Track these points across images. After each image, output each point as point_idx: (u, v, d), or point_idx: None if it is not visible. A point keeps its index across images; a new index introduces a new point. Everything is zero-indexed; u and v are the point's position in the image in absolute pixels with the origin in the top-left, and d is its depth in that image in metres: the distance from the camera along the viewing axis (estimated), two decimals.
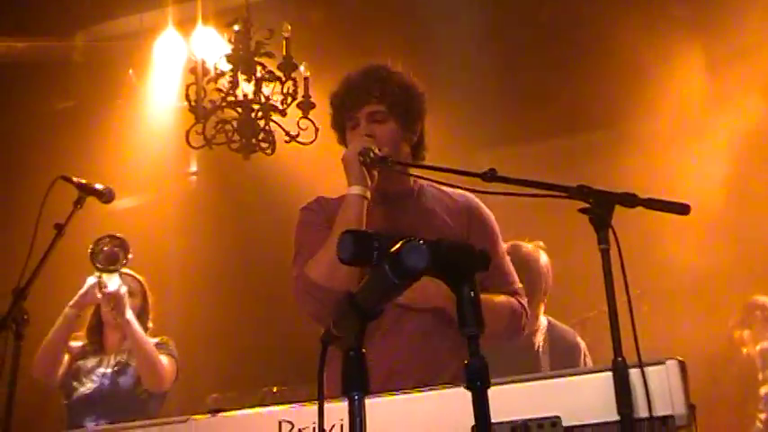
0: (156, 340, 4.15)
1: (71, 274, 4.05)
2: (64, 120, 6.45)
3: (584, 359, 3.75)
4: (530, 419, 1.84)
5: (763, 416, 4.43)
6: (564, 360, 3.70)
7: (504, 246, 2.74)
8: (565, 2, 6.06)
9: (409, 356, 2.48)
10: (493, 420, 1.80)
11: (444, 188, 2.71)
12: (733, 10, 5.53)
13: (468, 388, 1.35)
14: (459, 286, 1.35)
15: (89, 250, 4.00)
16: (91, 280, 4.04)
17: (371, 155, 2.47)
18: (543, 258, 3.88)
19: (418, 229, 2.55)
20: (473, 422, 1.39)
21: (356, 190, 2.48)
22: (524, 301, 2.68)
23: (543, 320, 3.86)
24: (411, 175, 2.68)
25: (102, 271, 3.98)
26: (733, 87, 5.69)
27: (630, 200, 2.01)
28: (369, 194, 2.49)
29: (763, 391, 4.43)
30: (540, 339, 3.83)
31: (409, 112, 2.64)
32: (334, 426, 1.92)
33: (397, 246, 1.28)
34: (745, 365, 4.62)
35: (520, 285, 2.71)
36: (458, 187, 2.45)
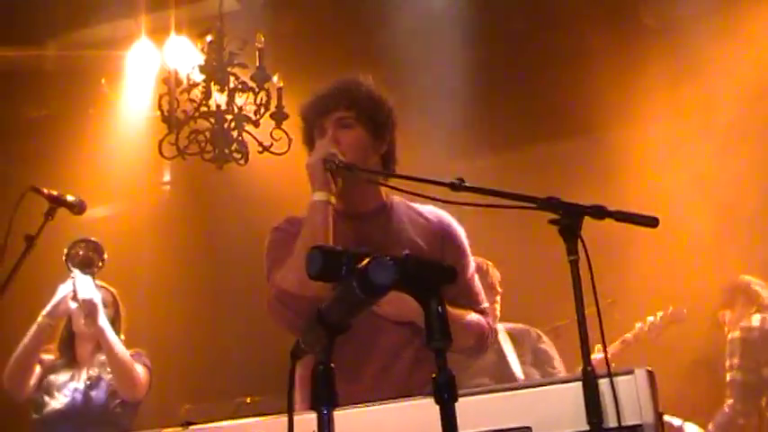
0: (130, 351, 4.12)
1: (43, 285, 4.02)
2: (35, 130, 6.39)
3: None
4: (501, 430, 1.85)
5: (729, 401, 4.51)
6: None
7: (473, 265, 2.75)
8: (538, 12, 6.10)
9: (384, 368, 2.49)
10: (464, 431, 1.83)
11: (416, 206, 2.71)
12: (703, 19, 5.62)
13: (436, 401, 1.36)
14: (427, 301, 1.36)
15: (63, 254, 3.98)
16: (63, 288, 4.01)
17: (336, 161, 2.45)
18: (494, 272, 4.25)
19: (389, 246, 2.55)
20: None
21: (320, 196, 2.46)
22: (491, 320, 2.73)
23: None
24: (381, 183, 2.67)
25: (78, 270, 3.96)
26: (703, 95, 5.76)
27: (599, 212, 2.02)
28: (333, 200, 2.48)
29: (729, 376, 4.52)
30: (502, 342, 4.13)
31: (377, 121, 2.64)
32: None
33: (365, 262, 1.30)
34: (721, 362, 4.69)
35: (487, 305, 2.74)
36: (428, 198, 2.45)
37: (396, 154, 2.73)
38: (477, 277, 2.75)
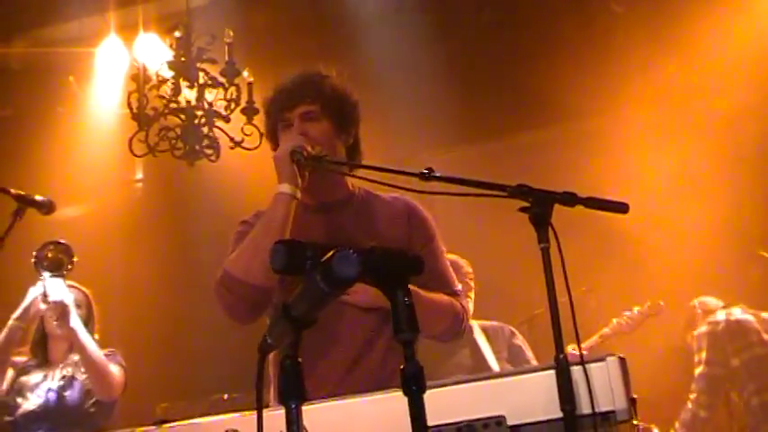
0: (104, 351, 4.09)
1: (11, 286, 3.97)
2: (2, 129, 6.32)
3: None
4: (475, 420, 1.85)
5: (693, 395, 4.53)
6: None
7: (442, 247, 2.74)
8: (509, 1, 6.12)
9: (356, 359, 2.48)
10: (438, 422, 1.83)
11: (381, 194, 2.71)
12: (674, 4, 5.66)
13: (404, 393, 1.35)
14: (393, 292, 1.35)
15: (33, 257, 3.93)
16: (34, 291, 3.97)
17: (304, 153, 2.44)
18: (467, 268, 4.26)
19: (358, 237, 2.55)
20: None
21: (284, 188, 2.44)
22: (465, 302, 2.69)
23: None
24: (348, 175, 2.66)
25: (48, 272, 3.92)
26: (679, 79, 5.80)
27: (570, 199, 2.03)
28: (298, 194, 2.46)
29: (697, 371, 4.55)
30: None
31: (343, 114, 2.63)
32: None
33: (329, 255, 1.29)
34: (690, 356, 4.72)
35: (459, 287, 2.72)
36: (398, 188, 2.44)
37: (361, 147, 2.72)
38: (446, 260, 2.73)
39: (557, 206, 2.01)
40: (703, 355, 4.53)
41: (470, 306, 4.24)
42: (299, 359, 1.39)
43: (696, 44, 5.67)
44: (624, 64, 5.76)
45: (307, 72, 2.67)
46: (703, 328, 4.61)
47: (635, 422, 1.90)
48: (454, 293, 2.65)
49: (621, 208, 2.07)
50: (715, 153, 5.78)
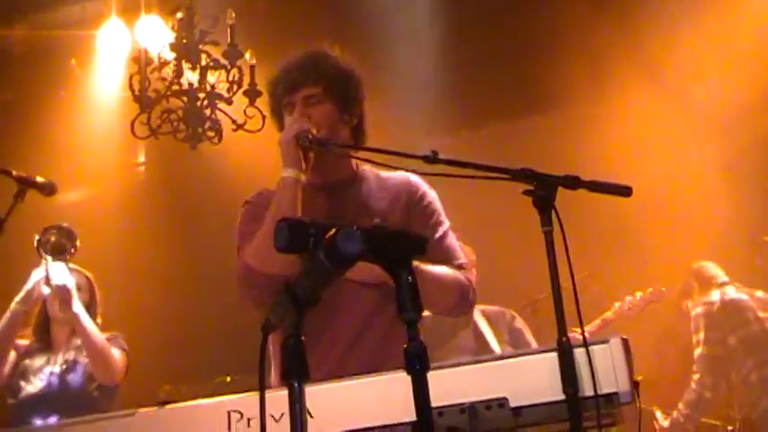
0: (106, 335, 4.09)
1: (14, 269, 3.98)
2: (5, 112, 6.31)
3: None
4: (477, 401, 1.85)
5: (696, 376, 4.56)
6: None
7: (447, 222, 2.72)
8: None
9: (357, 335, 2.48)
10: (441, 403, 1.83)
11: (385, 173, 2.70)
12: None
13: (407, 372, 1.35)
14: (397, 271, 1.35)
15: (35, 241, 3.92)
16: (37, 274, 3.97)
17: (309, 137, 2.44)
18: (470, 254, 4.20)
19: (360, 216, 2.55)
20: None
21: (289, 173, 2.44)
22: (471, 275, 2.67)
23: None
24: (353, 156, 2.66)
25: (51, 257, 3.91)
26: (677, 68, 5.78)
27: (573, 182, 2.03)
28: (303, 177, 2.47)
29: (696, 352, 4.57)
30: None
31: (346, 94, 2.62)
32: (283, 414, 1.90)
33: (332, 232, 1.28)
34: (688, 335, 4.74)
35: (464, 260, 2.69)
36: (401, 169, 2.43)
37: (365, 126, 2.71)
38: (451, 234, 2.71)
39: (561, 191, 2.01)
40: (701, 335, 4.57)
41: None
42: (302, 338, 1.38)
43: (702, 30, 5.65)
44: (630, 49, 5.74)
45: (309, 52, 2.65)
46: (699, 309, 4.64)
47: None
48: (460, 267, 2.63)
49: (624, 191, 2.07)
50: (719, 139, 5.77)
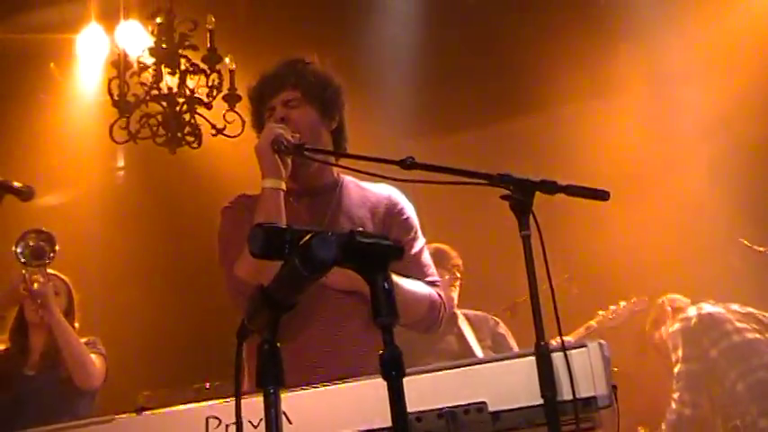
0: (84, 340, 4.08)
1: None
2: None
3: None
4: (456, 406, 1.86)
5: (675, 395, 4.51)
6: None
7: (422, 239, 2.73)
8: None
9: (328, 339, 2.48)
10: (419, 408, 1.84)
11: (366, 184, 2.72)
12: None
13: (383, 377, 1.35)
14: (372, 276, 1.35)
15: (14, 245, 3.90)
16: (15, 280, 3.95)
17: (284, 142, 2.44)
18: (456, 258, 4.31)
19: (340, 223, 2.56)
20: None
21: (269, 183, 2.45)
22: (443, 293, 2.69)
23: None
24: (333, 164, 2.66)
25: (28, 266, 3.89)
26: (660, 69, 5.82)
27: (550, 187, 2.03)
28: (284, 185, 2.47)
29: (675, 370, 4.53)
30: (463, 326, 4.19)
31: (325, 99, 2.64)
32: (262, 419, 1.89)
33: (307, 238, 1.28)
34: (662, 349, 4.71)
35: (438, 278, 2.72)
36: (380, 177, 2.44)
37: (346, 131, 2.72)
38: (426, 251, 2.74)
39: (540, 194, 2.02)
40: (680, 352, 4.48)
41: (455, 295, 4.25)
42: (278, 343, 1.38)
43: (691, 28, 5.68)
44: (606, 52, 5.77)
45: (288, 59, 2.68)
46: (676, 326, 4.57)
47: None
48: (432, 283, 2.65)
49: (602, 195, 2.08)
50: (701, 139, 5.80)
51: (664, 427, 4.60)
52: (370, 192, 2.71)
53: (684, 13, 5.66)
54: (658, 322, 4.80)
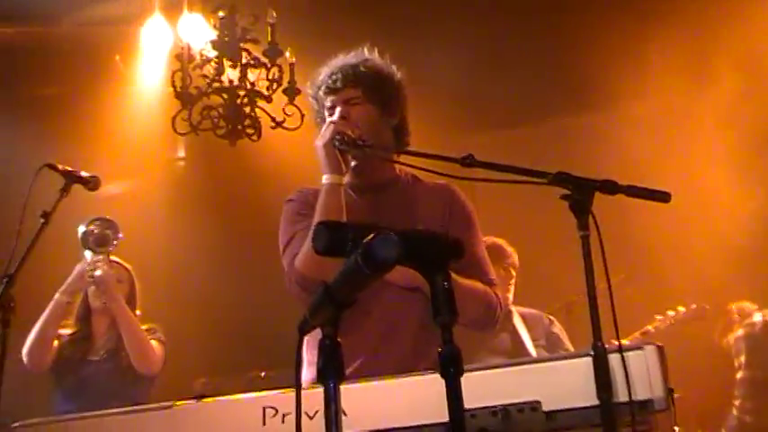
0: (145, 327, 4.17)
1: (58, 261, 4.05)
2: (50, 107, 6.41)
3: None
4: (510, 404, 1.86)
5: (737, 402, 4.43)
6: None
7: (481, 235, 2.74)
8: None
9: (386, 335, 2.50)
10: (474, 405, 1.85)
11: (426, 180, 2.72)
12: None
13: (441, 375, 1.36)
14: (432, 276, 1.36)
15: (79, 233, 4.00)
16: (80, 266, 4.06)
17: (345, 139, 2.46)
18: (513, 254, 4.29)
19: (400, 219, 2.57)
20: None
21: (330, 179, 2.47)
22: (501, 292, 2.69)
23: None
24: (393, 161, 2.67)
25: (93, 252, 4.00)
26: (717, 67, 5.70)
27: (611, 187, 2.02)
28: (343, 181, 2.49)
29: (738, 376, 4.44)
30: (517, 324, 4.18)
31: (386, 96, 2.65)
32: (317, 411, 1.93)
33: (369, 237, 1.29)
34: (725, 354, 4.63)
35: (495, 277, 2.71)
36: (439, 174, 2.44)
37: (408, 125, 2.73)
38: (484, 248, 2.74)
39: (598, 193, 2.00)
40: (743, 358, 4.42)
41: (510, 294, 4.23)
42: (338, 339, 1.40)
43: (746, 28, 5.55)
44: (671, 47, 5.66)
45: (350, 56, 2.69)
46: (740, 332, 4.51)
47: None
48: (490, 282, 2.65)
49: (663, 197, 2.05)
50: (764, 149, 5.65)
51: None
52: (429, 187, 2.72)
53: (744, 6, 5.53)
54: (727, 330, 4.71)
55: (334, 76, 2.63)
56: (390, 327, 2.52)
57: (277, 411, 2.00)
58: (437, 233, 1.42)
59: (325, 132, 2.51)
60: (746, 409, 4.39)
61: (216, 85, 4.69)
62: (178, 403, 2.14)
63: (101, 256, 4.02)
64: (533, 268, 4.64)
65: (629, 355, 1.86)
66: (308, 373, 2.40)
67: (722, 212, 5.52)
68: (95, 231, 4.02)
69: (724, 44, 5.59)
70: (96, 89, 6.28)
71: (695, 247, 5.52)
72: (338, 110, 2.60)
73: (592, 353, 1.86)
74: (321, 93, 2.67)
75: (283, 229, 2.64)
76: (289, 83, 4.67)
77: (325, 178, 2.49)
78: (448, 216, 2.65)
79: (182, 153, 7.05)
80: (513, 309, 4.25)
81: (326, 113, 2.66)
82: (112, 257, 4.15)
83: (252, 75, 4.70)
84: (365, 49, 2.71)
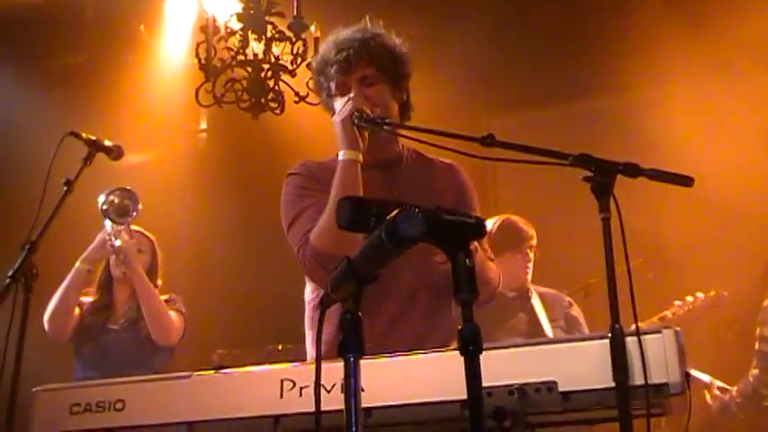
0: (164, 297, 4.21)
1: (80, 229, 4.08)
2: (74, 75, 6.44)
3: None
4: (527, 383, 1.87)
5: (755, 371, 4.41)
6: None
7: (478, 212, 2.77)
8: None
9: (400, 311, 2.52)
10: (491, 384, 1.86)
11: (429, 155, 2.73)
12: None
13: (460, 353, 1.37)
14: (455, 254, 1.36)
15: (99, 202, 4.03)
16: (101, 235, 4.09)
17: (364, 116, 2.46)
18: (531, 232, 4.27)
19: (415, 195, 2.57)
20: None
21: (348, 155, 2.46)
22: (495, 267, 2.71)
23: None
24: (403, 135, 2.66)
25: (113, 222, 4.03)
26: (747, 53, 5.63)
27: (633, 170, 2.00)
28: (361, 158, 2.48)
29: (756, 345, 4.41)
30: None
31: (398, 73, 2.65)
32: (335, 385, 1.95)
33: (394, 213, 1.30)
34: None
35: (491, 254, 2.75)
36: (460, 153, 2.42)
37: (410, 100, 2.74)
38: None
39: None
40: (766, 330, 4.39)
41: (529, 275, 4.22)
42: (359, 313, 1.42)
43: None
44: (700, 31, 5.60)
45: (359, 31, 2.64)
46: (767, 302, 4.46)
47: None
48: (490, 259, 2.69)
49: (686, 181, 2.04)
50: None
51: (735, 392, 4.51)
52: (437, 163, 2.74)
53: None
54: (765, 322, 4.64)
55: (344, 53, 2.59)
56: (403, 306, 2.53)
57: (294, 384, 2.02)
58: (460, 211, 1.42)
59: (344, 108, 2.50)
60: (763, 382, 4.37)
61: (240, 57, 4.68)
62: (197, 373, 2.16)
63: (122, 227, 4.05)
64: (553, 250, 4.63)
65: (647, 338, 1.86)
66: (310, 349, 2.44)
67: (745, 198, 5.46)
68: (115, 201, 4.05)
69: (746, 26, 5.52)
70: (121, 59, 6.30)
71: (715, 233, 5.48)
72: (355, 89, 2.57)
73: (609, 335, 1.86)
74: (331, 70, 2.62)
75: (288, 203, 2.62)
76: (313, 57, 4.65)
77: (342, 154, 2.48)
78: (452, 190, 2.68)
79: (204, 125, 7.07)
80: (532, 288, 4.25)
81: (337, 91, 2.62)
82: (135, 227, 4.19)
83: (276, 48, 4.69)
84: (367, 21, 2.68)
